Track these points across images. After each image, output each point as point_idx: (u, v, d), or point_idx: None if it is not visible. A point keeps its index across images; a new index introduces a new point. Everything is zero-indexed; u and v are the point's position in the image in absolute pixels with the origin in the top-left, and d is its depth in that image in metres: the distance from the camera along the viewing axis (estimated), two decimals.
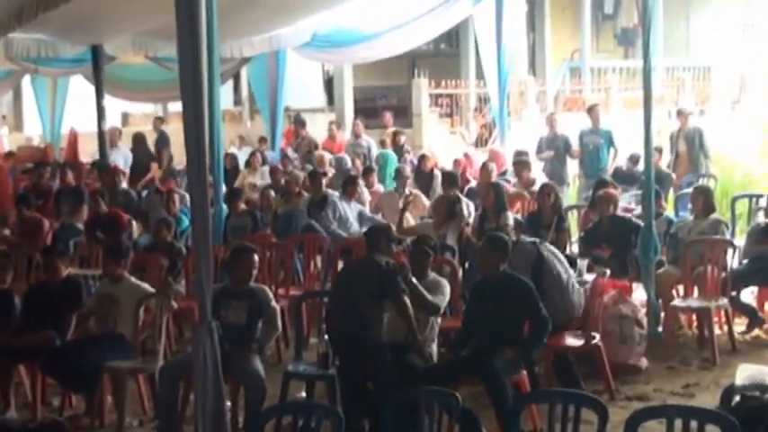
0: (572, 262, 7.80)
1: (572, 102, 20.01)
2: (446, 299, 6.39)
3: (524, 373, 6.12)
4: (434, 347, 6.31)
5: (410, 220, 9.96)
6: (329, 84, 21.45)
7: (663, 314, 8.00)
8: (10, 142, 17.18)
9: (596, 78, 21.35)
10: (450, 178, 10.28)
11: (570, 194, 12.81)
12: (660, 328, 7.90)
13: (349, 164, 13.04)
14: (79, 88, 16.18)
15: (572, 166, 13.09)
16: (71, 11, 9.02)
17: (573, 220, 10.82)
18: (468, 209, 9.47)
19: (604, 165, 12.41)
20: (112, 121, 16.17)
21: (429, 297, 6.19)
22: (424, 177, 11.93)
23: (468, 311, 6.50)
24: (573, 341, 6.76)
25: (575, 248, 9.54)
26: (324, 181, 10.80)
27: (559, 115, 14.89)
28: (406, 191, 10.54)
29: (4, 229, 11.43)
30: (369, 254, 6.30)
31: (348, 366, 5.97)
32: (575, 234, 9.99)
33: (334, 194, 10.41)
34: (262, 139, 16.92)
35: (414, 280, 6.12)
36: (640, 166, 10.14)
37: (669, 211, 9.91)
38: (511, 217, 9.07)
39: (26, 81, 17.63)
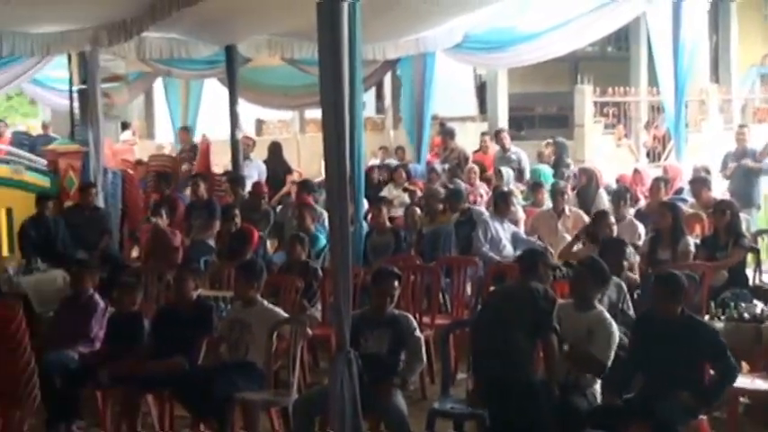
0: (763, 293, 7.52)
1: (763, 112, 19.31)
2: (613, 347, 6.09)
3: (704, 419, 5.91)
4: (597, 387, 6.17)
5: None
6: (481, 90, 21.40)
7: None
8: (140, 150, 17.75)
9: None
10: (620, 195, 10.07)
11: (759, 218, 12.34)
12: None
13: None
14: (213, 93, 16.66)
15: (765, 185, 12.58)
16: (205, 8, 9.29)
17: (764, 246, 10.43)
18: (638, 231, 9.23)
19: None
20: (246, 128, 16.51)
21: (593, 353, 6.01)
22: (585, 194, 11.72)
23: (635, 349, 6.28)
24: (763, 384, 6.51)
25: (765, 278, 9.21)
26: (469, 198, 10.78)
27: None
28: (566, 209, 10.37)
29: (133, 246, 11.88)
30: (523, 281, 6.20)
31: (499, 406, 5.87)
32: (766, 262, 9.62)
33: (485, 213, 10.34)
34: (399, 150, 16.98)
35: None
36: None
37: None
38: (691, 242, 8.81)
39: (158, 85, 18.25)
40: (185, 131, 16.91)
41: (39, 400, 6.43)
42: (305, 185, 11.92)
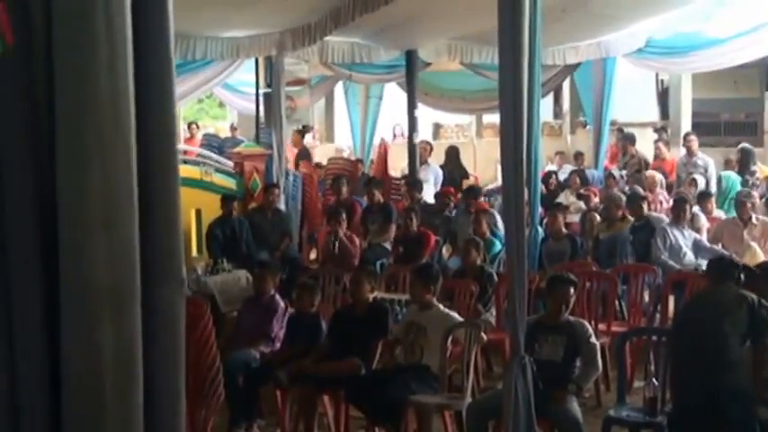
0: None
1: None
2: None
3: None
4: None
5: (758, 251, 9.50)
6: (663, 95, 20.91)
7: None
8: (320, 153, 18.12)
9: None
10: None
11: None
12: None
13: None
14: (391, 97, 16.87)
15: None
16: (387, 13, 9.43)
17: None
18: None
19: None
20: (424, 133, 16.69)
21: None
22: None
23: None
24: None
25: None
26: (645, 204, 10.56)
27: None
28: (753, 218, 10.05)
29: (312, 248, 12.15)
30: (726, 287, 6.02)
31: (694, 414, 5.73)
32: None
33: (664, 220, 10.14)
34: (578, 155, 16.79)
35: None
36: None
37: None
38: None
39: (338, 89, 18.62)
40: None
41: (223, 398, 6.64)
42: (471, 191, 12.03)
